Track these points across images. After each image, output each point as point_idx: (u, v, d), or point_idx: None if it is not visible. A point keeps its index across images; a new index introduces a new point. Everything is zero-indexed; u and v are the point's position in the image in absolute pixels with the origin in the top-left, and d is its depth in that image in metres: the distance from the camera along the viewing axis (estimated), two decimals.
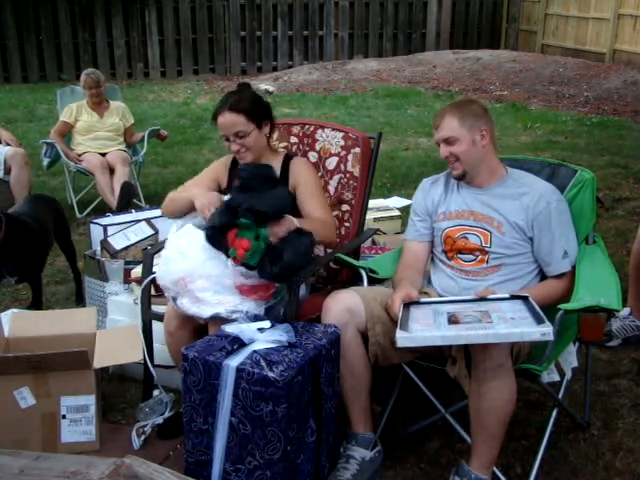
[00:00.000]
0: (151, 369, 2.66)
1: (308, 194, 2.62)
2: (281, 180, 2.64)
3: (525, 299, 2.20)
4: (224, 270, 2.37)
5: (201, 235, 2.41)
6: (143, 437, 2.57)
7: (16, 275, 3.32)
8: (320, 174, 2.90)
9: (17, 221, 3.30)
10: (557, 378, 2.31)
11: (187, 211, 2.62)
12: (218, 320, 2.34)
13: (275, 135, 2.98)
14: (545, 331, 1.98)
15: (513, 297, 2.24)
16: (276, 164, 2.66)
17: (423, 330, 2.10)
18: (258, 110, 2.65)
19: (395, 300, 2.28)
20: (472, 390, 2.13)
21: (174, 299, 2.44)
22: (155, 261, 2.73)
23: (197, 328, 2.49)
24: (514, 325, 2.03)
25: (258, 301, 2.38)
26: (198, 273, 2.38)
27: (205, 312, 2.36)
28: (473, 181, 2.46)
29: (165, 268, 2.47)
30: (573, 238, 2.44)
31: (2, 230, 3.18)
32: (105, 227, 3.42)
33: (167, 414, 2.65)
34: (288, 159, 2.70)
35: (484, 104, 2.57)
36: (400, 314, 2.21)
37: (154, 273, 2.61)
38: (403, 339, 2.06)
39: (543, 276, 2.45)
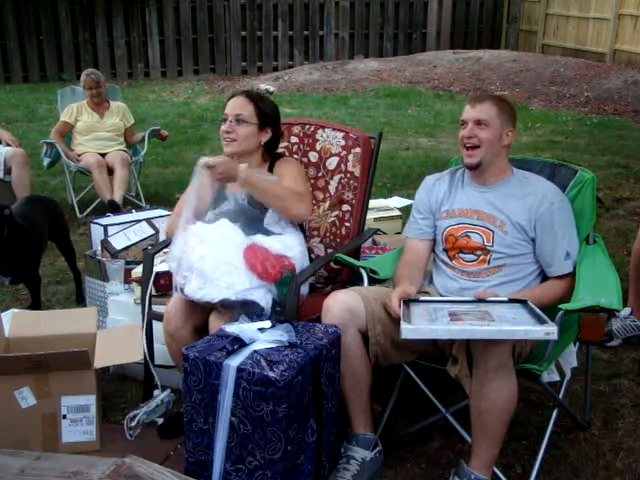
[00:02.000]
0: (152, 369, 2.67)
1: (284, 178, 2.62)
2: None
3: (524, 303, 2.20)
4: (235, 250, 2.38)
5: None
6: (135, 428, 2.59)
7: (10, 275, 3.33)
8: (320, 174, 2.90)
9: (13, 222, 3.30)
10: (557, 378, 2.31)
11: None
12: (226, 306, 2.34)
13: None
14: (549, 330, 1.98)
15: (511, 301, 2.24)
16: (263, 165, 2.71)
17: (427, 324, 2.11)
18: (269, 112, 2.70)
19: (393, 297, 2.28)
20: (473, 390, 2.13)
21: (181, 289, 2.43)
22: (156, 261, 2.74)
23: (197, 328, 2.49)
24: (516, 324, 2.04)
25: (266, 288, 2.38)
26: (210, 247, 2.40)
27: (214, 296, 2.35)
28: (481, 176, 2.45)
29: (182, 249, 2.47)
30: (575, 239, 2.43)
31: (6, 228, 3.19)
32: (106, 227, 3.42)
33: (168, 414, 2.65)
34: (276, 159, 2.73)
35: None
36: (401, 311, 2.20)
37: (155, 272, 2.62)
38: (408, 331, 2.05)
39: (544, 277, 2.45)
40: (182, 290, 2.43)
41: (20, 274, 3.38)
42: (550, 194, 2.40)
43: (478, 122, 2.37)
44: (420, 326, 2.08)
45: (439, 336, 2.11)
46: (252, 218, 2.53)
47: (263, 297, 2.37)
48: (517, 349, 2.17)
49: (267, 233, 2.52)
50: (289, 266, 2.45)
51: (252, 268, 2.35)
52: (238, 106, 2.65)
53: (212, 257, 2.37)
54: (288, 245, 2.50)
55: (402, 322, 2.09)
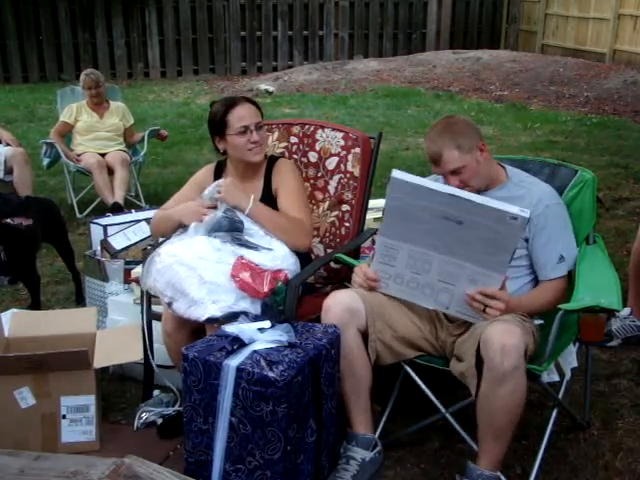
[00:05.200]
0: (153, 367, 2.67)
1: (285, 193, 2.64)
2: (265, 182, 2.68)
3: None
4: (215, 268, 2.37)
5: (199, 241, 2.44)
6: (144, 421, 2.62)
7: (8, 275, 3.34)
8: (320, 174, 2.90)
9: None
10: (557, 378, 2.31)
11: (175, 229, 2.62)
12: (215, 323, 2.34)
13: (275, 135, 2.98)
14: (523, 209, 2.01)
15: None
16: (261, 167, 2.70)
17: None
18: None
19: (361, 266, 2.36)
20: (485, 391, 2.10)
21: (169, 304, 2.44)
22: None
23: (195, 329, 2.49)
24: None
25: (254, 298, 2.38)
26: (190, 267, 2.38)
27: (201, 314, 2.35)
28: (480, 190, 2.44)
29: (160, 271, 2.46)
30: (571, 242, 2.41)
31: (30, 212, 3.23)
32: (105, 227, 3.42)
33: (167, 414, 2.65)
34: (272, 161, 2.72)
35: (465, 118, 2.54)
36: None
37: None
38: (399, 174, 2.09)
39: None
40: (169, 306, 2.43)
41: (18, 273, 3.39)
42: (546, 197, 2.39)
43: (453, 172, 2.35)
44: (411, 177, 2.10)
45: (426, 184, 2.09)
46: (236, 231, 2.53)
47: (250, 305, 2.36)
48: (528, 352, 2.13)
49: (256, 248, 2.49)
50: (282, 277, 2.43)
51: (242, 288, 2.35)
52: (254, 113, 2.63)
53: (193, 278, 2.37)
54: (278, 259, 2.47)
55: (394, 171, 2.13)
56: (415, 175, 2.13)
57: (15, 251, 3.30)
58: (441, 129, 2.40)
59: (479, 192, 2.40)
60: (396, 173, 2.07)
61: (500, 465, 2.18)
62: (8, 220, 3.21)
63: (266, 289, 2.36)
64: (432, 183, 2.12)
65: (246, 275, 2.35)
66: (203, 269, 2.37)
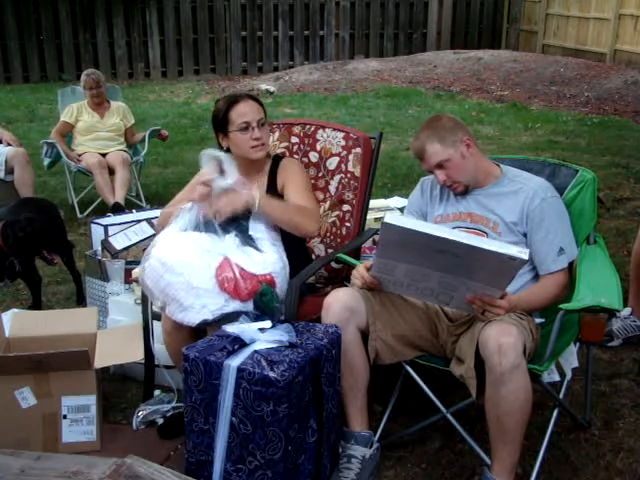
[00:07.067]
0: (152, 369, 2.67)
1: (292, 187, 2.63)
2: (270, 182, 2.67)
3: None
4: (201, 272, 2.35)
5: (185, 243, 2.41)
6: (142, 420, 2.62)
7: (10, 277, 3.36)
8: (321, 174, 2.90)
9: None
10: (557, 378, 2.31)
11: None
12: (208, 325, 2.34)
13: (276, 135, 2.98)
14: (522, 250, 1.96)
15: None
16: (265, 166, 2.69)
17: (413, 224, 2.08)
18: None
19: (358, 268, 2.35)
20: (489, 395, 2.10)
21: (162, 308, 2.43)
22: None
23: (194, 329, 2.48)
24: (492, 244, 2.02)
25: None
26: (177, 273, 2.36)
27: (192, 319, 2.35)
28: (474, 188, 2.46)
29: (150, 277, 2.44)
30: (569, 234, 2.41)
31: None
32: (106, 227, 3.43)
33: (168, 414, 2.65)
34: (278, 160, 2.72)
35: (451, 115, 2.56)
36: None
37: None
38: (391, 219, 2.02)
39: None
40: (163, 310, 2.43)
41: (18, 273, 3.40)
42: (541, 190, 2.39)
43: (439, 166, 2.39)
44: (404, 221, 2.05)
45: (419, 228, 2.02)
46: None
47: (241, 306, 2.35)
48: (527, 350, 2.13)
49: (250, 242, 2.46)
50: (268, 280, 2.38)
51: (224, 289, 2.33)
52: (256, 110, 2.62)
53: (180, 284, 2.34)
54: (267, 264, 2.42)
55: (386, 215, 2.08)
56: (409, 221, 2.09)
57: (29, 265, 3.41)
58: (425, 126, 2.46)
59: (469, 188, 2.43)
60: (388, 218, 2.02)
61: (514, 469, 2.16)
62: (44, 252, 3.40)
63: (246, 291, 2.33)
64: (426, 225, 2.07)
65: (229, 276, 2.34)
66: (190, 275, 2.34)
